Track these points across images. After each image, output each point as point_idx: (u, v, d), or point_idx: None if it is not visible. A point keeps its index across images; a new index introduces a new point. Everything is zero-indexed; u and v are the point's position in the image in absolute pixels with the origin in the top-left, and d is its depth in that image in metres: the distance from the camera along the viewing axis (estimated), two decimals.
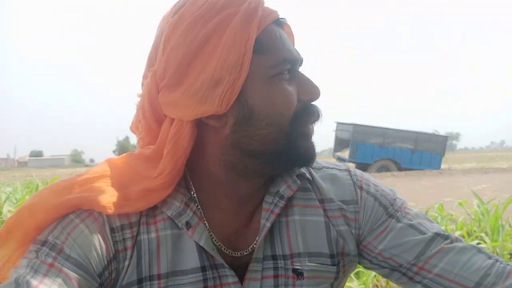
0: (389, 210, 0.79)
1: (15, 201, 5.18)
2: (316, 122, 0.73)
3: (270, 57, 0.66)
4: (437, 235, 0.75)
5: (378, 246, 0.77)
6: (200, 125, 0.68)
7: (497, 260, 0.72)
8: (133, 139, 0.78)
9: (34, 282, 0.57)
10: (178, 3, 0.70)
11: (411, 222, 0.77)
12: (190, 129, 0.67)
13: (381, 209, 0.79)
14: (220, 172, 0.71)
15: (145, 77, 0.71)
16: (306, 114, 0.70)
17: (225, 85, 0.63)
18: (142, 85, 0.72)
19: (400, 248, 0.75)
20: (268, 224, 0.73)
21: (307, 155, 0.71)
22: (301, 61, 0.72)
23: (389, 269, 0.78)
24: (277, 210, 0.74)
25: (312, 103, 0.72)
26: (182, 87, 0.65)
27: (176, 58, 0.64)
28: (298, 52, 0.71)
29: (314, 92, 0.70)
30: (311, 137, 0.72)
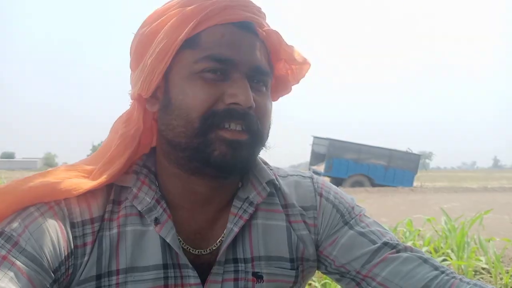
0: (346, 217, 0.81)
1: None
2: (238, 127, 0.68)
3: (198, 53, 0.68)
4: (385, 244, 0.75)
5: (332, 252, 0.79)
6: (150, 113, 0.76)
7: (443, 272, 0.71)
8: None
9: None
10: None
11: (363, 230, 0.78)
12: (138, 109, 0.74)
13: (338, 216, 0.81)
14: (167, 164, 0.74)
15: None
16: (223, 116, 0.66)
17: (147, 70, 0.69)
18: None
19: (349, 256, 0.76)
20: (236, 229, 0.74)
21: (221, 162, 0.67)
22: (252, 67, 0.69)
23: (340, 275, 0.79)
24: (246, 216, 0.75)
25: (240, 111, 0.67)
26: (135, 71, 0.73)
27: (133, 45, 0.74)
28: (251, 58, 0.69)
29: (238, 98, 0.66)
30: (230, 143, 0.67)
